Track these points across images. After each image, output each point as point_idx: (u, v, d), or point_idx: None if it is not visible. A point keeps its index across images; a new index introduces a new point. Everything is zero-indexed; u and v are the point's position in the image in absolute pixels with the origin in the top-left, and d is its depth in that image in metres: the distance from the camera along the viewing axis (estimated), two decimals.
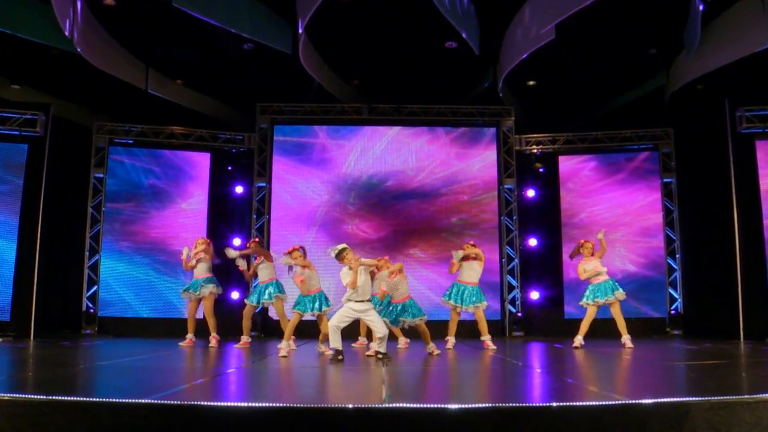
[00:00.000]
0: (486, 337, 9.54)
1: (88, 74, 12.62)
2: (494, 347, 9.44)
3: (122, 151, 14.42)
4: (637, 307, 14.06)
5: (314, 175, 14.59)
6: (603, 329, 10.93)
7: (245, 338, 9.99)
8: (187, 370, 6.91)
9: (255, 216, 14.38)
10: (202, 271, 10.31)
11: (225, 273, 12.18)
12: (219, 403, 3.72)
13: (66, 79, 13.52)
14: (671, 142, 14.50)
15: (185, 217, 14.37)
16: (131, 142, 14.47)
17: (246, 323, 10.00)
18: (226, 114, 15.41)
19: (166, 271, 14.13)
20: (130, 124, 14.43)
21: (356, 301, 7.26)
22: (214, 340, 10.16)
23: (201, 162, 14.74)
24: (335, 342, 7.17)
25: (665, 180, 14.44)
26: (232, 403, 3.71)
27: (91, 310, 13.60)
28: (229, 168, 14.91)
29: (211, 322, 10.23)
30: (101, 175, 14.06)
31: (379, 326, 7.24)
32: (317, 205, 14.48)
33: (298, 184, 14.56)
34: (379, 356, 7.18)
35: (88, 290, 13.73)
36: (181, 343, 10.08)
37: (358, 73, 14.70)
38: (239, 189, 14.81)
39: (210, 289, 10.19)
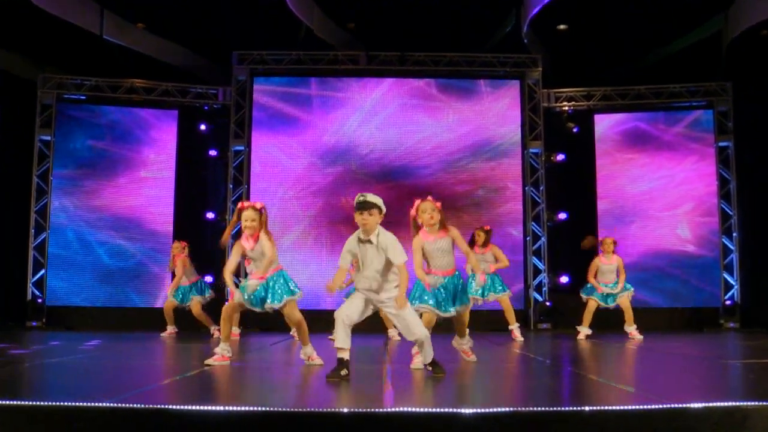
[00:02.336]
0: (514, 326, 10.23)
1: (31, 17, 12.52)
2: (521, 339, 9.96)
3: (73, 109, 14.38)
4: (686, 293, 14.13)
5: (302, 136, 14.54)
6: (639, 321, 11.00)
7: (235, 329, 10.65)
8: (153, 368, 6.95)
9: (231, 186, 14.36)
10: (187, 276, 11.59)
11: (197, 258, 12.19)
12: (190, 407, 3.74)
13: (4, 23, 13.43)
14: (729, 99, 14.43)
15: (149, 187, 14.36)
16: (84, 97, 14.41)
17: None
18: (196, 64, 15.34)
19: (126, 252, 14.14)
20: (82, 77, 14.37)
21: (365, 289, 5.75)
22: (217, 332, 10.84)
23: (167, 121, 14.70)
24: (342, 341, 5.54)
25: (721, 144, 14.39)
26: (207, 407, 3.73)
27: (39, 299, 13.63)
28: (201, 128, 14.86)
29: (204, 319, 11.48)
30: (48, 138, 14.02)
31: (412, 329, 5.77)
32: (305, 173, 14.45)
33: (283, 147, 14.52)
34: (429, 368, 5.85)
35: (33, 275, 13.75)
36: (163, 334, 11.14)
37: (355, 14, 14.59)
38: (213, 153, 14.78)
39: (198, 300, 11.50)
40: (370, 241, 5.68)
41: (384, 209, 5.72)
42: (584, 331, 10.71)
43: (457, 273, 6.66)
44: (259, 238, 6.69)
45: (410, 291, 6.71)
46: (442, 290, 6.53)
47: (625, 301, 10.79)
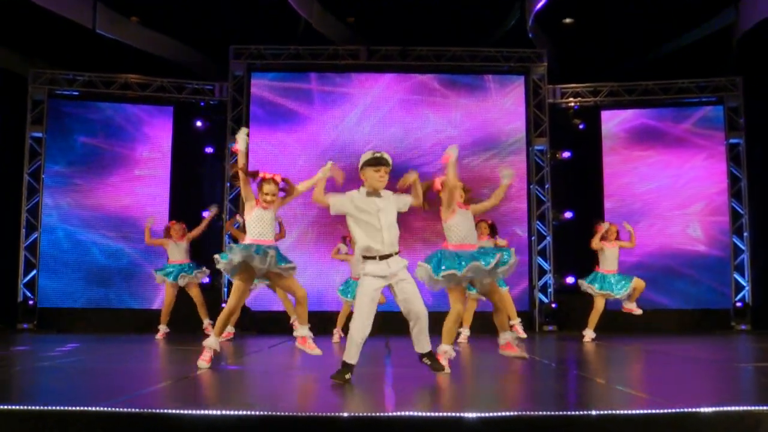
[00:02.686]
0: (516, 321, 10.06)
1: (21, 10, 12.51)
2: (524, 335, 9.90)
3: (65, 105, 14.37)
4: (696, 294, 14.12)
5: (301, 133, 14.54)
6: (648, 322, 11.02)
7: (229, 328, 10.72)
8: (148, 371, 6.95)
9: (228, 184, 14.35)
10: (180, 255, 11.46)
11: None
12: (187, 411, 3.75)
13: None
14: (739, 95, 14.40)
15: (143, 186, 14.34)
16: (76, 93, 14.40)
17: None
18: (192, 59, 15.33)
19: (121, 253, 14.12)
20: (74, 72, 14.36)
21: (381, 257, 5.54)
22: (210, 328, 10.82)
23: (162, 118, 14.69)
24: (353, 358, 5.46)
25: (731, 141, 14.37)
26: (203, 411, 3.73)
27: (30, 301, 13.63)
28: (197, 124, 14.86)
29: (204, 309, 11.32)
30: (40, 135, 14.01)
31: (415, 304, 5.56)
32: (304, 171, 14.39)
33: (282, 144, 14.52)
34: (426, 361, 5.72)
35: (25, 276, 13.74)
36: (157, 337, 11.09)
37: (355, 8, 14.58)
38: (209, 151, 14.77)
39: (196, 277, 11.43)
40: (379, 195, 5.59)
41: None
42: (589, 334, 10.67)
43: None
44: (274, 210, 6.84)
45: (431, 264, 6.57)
46: (464, 263, 6.36)
47: (638, 281, 10.66)
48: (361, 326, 5.44)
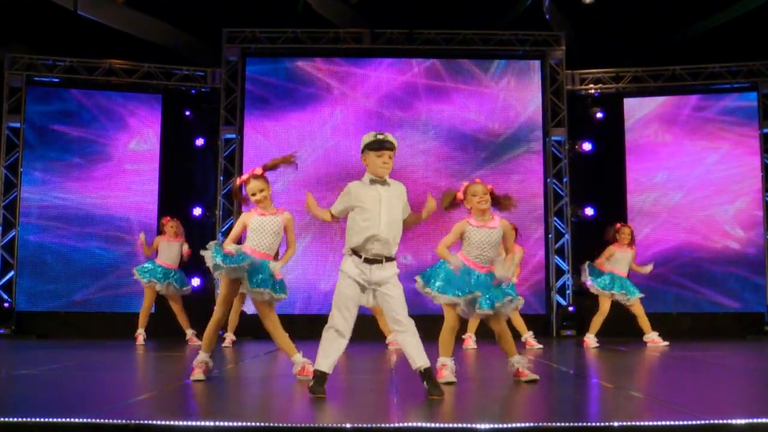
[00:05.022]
0: (528, 335, 10.31)
1: None
2: (540, 346, 9.94)
3: (45, 93, 14.39)
4: (727, 296, 14.09)
5: (300, 123, 14.54)
6: (675, 327, 11.00)
7: (230, 335, 11.10)
8: (136, 380, 6.97)
9: (222, 178, 14.37)
10: (170, 257, 11.58)
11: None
12: (177, 422, 3.75)
13: None
14: None
15: (130, 180, 14.33)
16: (57, 80, 14.41)
17: (233, 317, 10.99)
18: (182, 43, 15.31)
19: (105, 252, 14.13)
20: (54, 58, 14.36)
21: (366, 260, 5.21)
22: (195, 338, 11.25)
23: (150, 107, 14.69)
24: (325, 358, 5.26)
25: (766, 130, 14.35)
26: (195, 423, 3.74)
27: (7, 304, 13.65)
28: (187, 113, 14.85)
29: (184, 319, 11.60)
30: (17, 125, 14.03)
31: (399, 313, 5.20)
32: (303, 163, 14.41)
33: (278, 135, 14.51)
34: (423, 382, 5.21)
35: (1, 277, 13.76)
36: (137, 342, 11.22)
37: None
38: (200, 142, 14.77)
39: (181, 292, 11.56)
40: (386, 183, 5.26)
41: None
42: (592, 339, 10.73)
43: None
44: (277, 213, 6.47)
45: (429, 276, 6.18)
46: (474, 280, 5.94)
47: (637, 307, 10.78)
48: (344, 321, 5.18)
